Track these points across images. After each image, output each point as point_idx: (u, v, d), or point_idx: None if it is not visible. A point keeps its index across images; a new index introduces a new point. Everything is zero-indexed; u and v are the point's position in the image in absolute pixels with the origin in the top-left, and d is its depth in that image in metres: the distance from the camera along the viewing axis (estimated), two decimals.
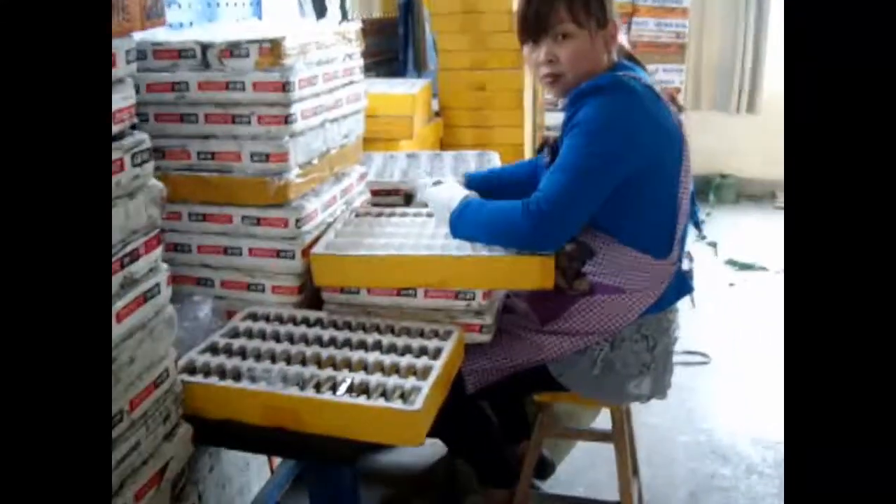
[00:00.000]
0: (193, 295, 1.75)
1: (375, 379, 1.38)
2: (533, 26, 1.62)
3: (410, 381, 1.37)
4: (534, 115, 3.52)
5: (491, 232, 1.59)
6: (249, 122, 1.63)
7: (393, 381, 1.37)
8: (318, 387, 1.38)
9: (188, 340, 1.59)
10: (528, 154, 3.38)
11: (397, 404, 1.30)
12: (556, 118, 4.32)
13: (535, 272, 1.56)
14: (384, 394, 1.35)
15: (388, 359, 1.46)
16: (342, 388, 1.36)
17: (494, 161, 2.44)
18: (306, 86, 1.67)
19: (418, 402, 1.29)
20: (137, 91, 1.65)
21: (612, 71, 1.61)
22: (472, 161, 2.45)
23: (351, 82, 1.94)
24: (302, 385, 1.39)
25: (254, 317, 1.68)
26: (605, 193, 1.53)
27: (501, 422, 2.01)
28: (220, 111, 1.64)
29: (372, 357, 1.46)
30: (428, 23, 3.78)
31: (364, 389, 1.37)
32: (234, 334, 1.60)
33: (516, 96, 3.26)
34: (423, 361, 1.44)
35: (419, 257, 1.58)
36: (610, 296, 1.62)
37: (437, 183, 1.82)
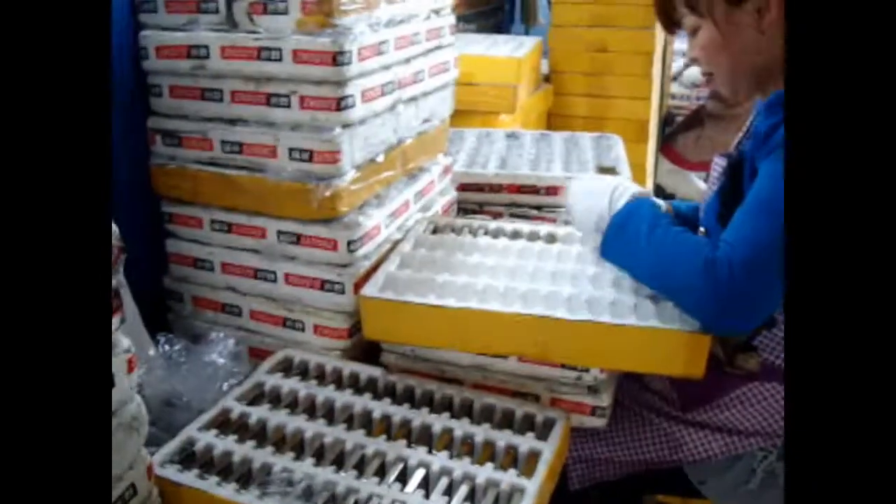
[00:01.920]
0: (216, 324, 1.34)
1: None
2: (663, 22, 1.22)
3: None
4: (662, 85, 2.94)
5: (653, 275, 1.10)
6: (289, 106, 1.17)
7: None
8: None
9: (196, 399, 1.18)
10: (652, 133, 2.82)
11: None
12: (683, 87, 3.72)
13: (678, 354, 1.05)
14: None
15: (459, 467, 1.00)
16: None
17: (617, 147, 1.92)
18: (371, 55, 1.19)
19: None
20: (147, 56, 1.25)
21: None
22: (589, 145, 1.94)
23: (438, 47, 1.45)
24: None
25: (287, 367, 1.25)
26: None
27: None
28: (250, 88, 1.19)
29: (437, 462, 1.01)
30: None
31: None
32: (257, 395, 1.18)
33: (645, 61, 2.69)
34: (510, 479, 0.98)
35: (511, 316, 1.09)
36: None
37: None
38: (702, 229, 1.22)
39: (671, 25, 1.19)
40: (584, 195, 1.24)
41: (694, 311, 1.04)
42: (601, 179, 1.25)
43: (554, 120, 2.80)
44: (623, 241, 1.14)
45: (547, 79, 2.83)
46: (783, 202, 0.95)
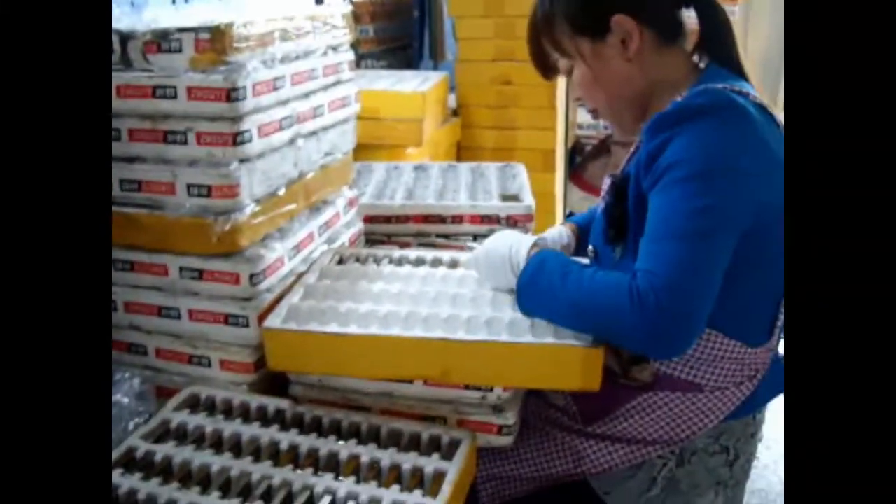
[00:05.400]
0: (122, 364, 1.33)
1: None
2: (539, 69, 1.27)
3: None
4: (567, 115, 3.04)
5: (582, 322, 1.10)
6: (186, 142, 1.18)
7: None
8: None
9: None
10: (559, 162, 2.91)
11: None
12: (588, 115, 3.84)
13: (574, 369, 1.09)
14: None
15: (365, 492, 1.01)
16: None
17: (521, 176, 1.98)
18: (266, 91, 1.22)
19: None
20: None
21: (701, 81, 1.13)
22: (494, 175, 1.99)
23: (337, 82, 1.48)
24: None
25: (194, 403, 1.24)
26: (727, 263, 1.04)
27: None
28: (147, 126, 1.20)
29: (343, 488, 1.02)
30: (446, 5, 3.31)
31: None
32: (163, 433, 1.17)
33: (548, 93, 2.78)
34: (415, 500, 0.99)
35: (411, 341, 1.12)
36: (682, 394, 1.16)
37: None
38: (590, 247, 1.27)
39: (547, 71, 1.25)
40: (488, 274, 1.24)
41: (631, 343, 1.07)
42: (494, 250, 1.22)
43: (464, 152, 2.87)
44: (538, 295, 1.14)
45: (455, 112, 2.90)
46: (686, 227, 1.01)
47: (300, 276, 1.35)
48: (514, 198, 1.77)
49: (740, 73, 1.17)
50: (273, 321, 1.17)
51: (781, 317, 1.18)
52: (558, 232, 1.42)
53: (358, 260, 1.43)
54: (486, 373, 1.13)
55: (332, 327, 1.15)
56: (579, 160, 3.83)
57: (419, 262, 1.42)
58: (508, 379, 1.14)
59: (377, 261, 1.43)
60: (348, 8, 1.50)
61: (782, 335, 1.21)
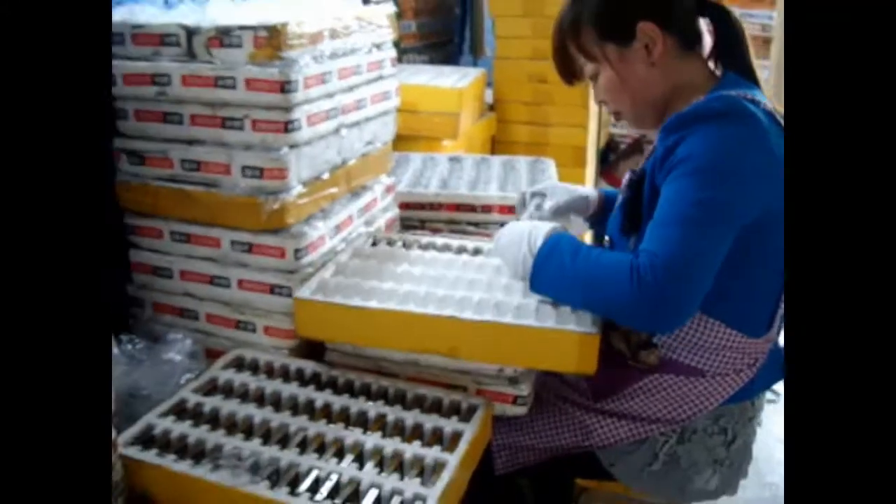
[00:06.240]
0: (175, 327, 1.46)
1: (369, 478, 1.06)
2: (562, 75, 1.38)
3: (413, 487, 1.04)
4: (599, 113, 3.13)
5: (584, 295, 1.19)
6: (242, 128, 1.31)
7: (391, 483, 1.05)
8: (295, 482, 1.07)
9: (156, 392, 1.30)
10: (590, 159, 3.00)
11: None
12: None
13: (571, 353, 1.20)
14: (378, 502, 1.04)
15: (390, 445, 1.13)
16: (323, 491, 1.05)
17: (550, 170, 2.09)
18: (316, 84, 1.34)
19: None
20: (115, 82, 1.38)
21: (718, 88, 1.23)
22: (524, 169, 2.10)
23: (379, 77, 1.60)
24: (276, 478, 1.08)
25: (239, 364, 1.37)
26: (724, 254, 1.14)
27: (538, 491, 1.67)
28: (207, 112, 1.33)
29: (371, 441, 1.14)
30: (486, 4, 3.41)
31: (353, 495, 1.05)
32: (211, 388, 1.30)
33: (581, 92, 2.87)
34: (434, 454, 1.12)
35: (422, 317, 1.24)
36: (685, 377, 1.27)
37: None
38: (606, 238, 1.38)
39: (570, 77, 1.35)
40: (506, 247, 1.33)
41: (627, 317, 1.17)
42: (517, 227, 1.33)
43: (498, 146, 2.98)
44: (549, 274, 1.23)
45: (491, 107, 3.01)
46: (689, 215, 1.11)
47: (337, 254, 1.47)
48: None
49: (753, 81, 1.27)
50: (303, 292, 1.30)
51: (781, 310, 1.27)
52: (588, 189, 1.54)
53: (389, 242, 1.56)
54: (489, 351, 1.24)
55: (355, 301, 1.27)
56: (612, 158, 3.92)
57: (445, 248, 1.54)
58: (510, 358, 1.25)
59: (407, 245, 1.55)
60: (392, 9, 1.62)
61: (782, 327, 1.31)
